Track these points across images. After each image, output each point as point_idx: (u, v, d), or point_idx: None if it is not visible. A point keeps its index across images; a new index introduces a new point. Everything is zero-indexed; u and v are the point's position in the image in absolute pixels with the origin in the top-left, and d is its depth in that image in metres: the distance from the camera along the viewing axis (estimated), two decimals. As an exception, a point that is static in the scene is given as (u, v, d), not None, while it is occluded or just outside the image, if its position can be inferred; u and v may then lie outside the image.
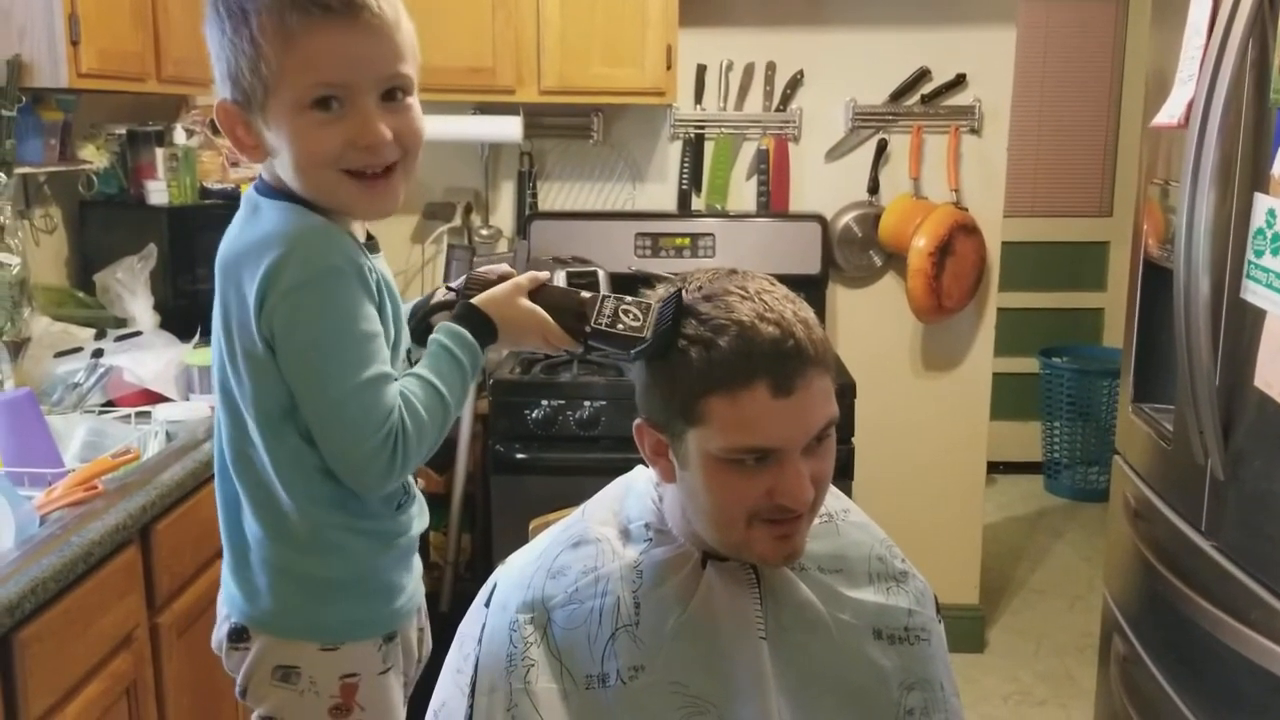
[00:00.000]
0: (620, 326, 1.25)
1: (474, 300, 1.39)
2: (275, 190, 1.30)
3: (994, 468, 4.10)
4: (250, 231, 1.29)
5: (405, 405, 1.28)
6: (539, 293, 1.39)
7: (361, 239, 1.35)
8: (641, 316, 1.23)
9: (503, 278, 1.42)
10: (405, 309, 1.45)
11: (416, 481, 1.50)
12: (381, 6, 1.23)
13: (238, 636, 1.39)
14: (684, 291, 1.14)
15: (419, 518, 1.47)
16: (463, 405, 1.37)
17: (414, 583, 1.48)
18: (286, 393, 1.28)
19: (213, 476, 1.42)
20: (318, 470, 1.31)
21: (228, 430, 1.36)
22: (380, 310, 1.30)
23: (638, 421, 1.18)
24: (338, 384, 1.24)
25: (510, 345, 1.42)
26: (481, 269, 1.45)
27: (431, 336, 1.37)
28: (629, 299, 1.26)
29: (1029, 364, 4.96)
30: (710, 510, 1.13)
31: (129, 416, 2.29)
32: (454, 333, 1.36)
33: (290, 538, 1.34)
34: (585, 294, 1.35)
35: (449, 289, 1.47)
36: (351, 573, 1.37)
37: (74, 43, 2.23)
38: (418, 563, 1.50)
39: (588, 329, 1.31)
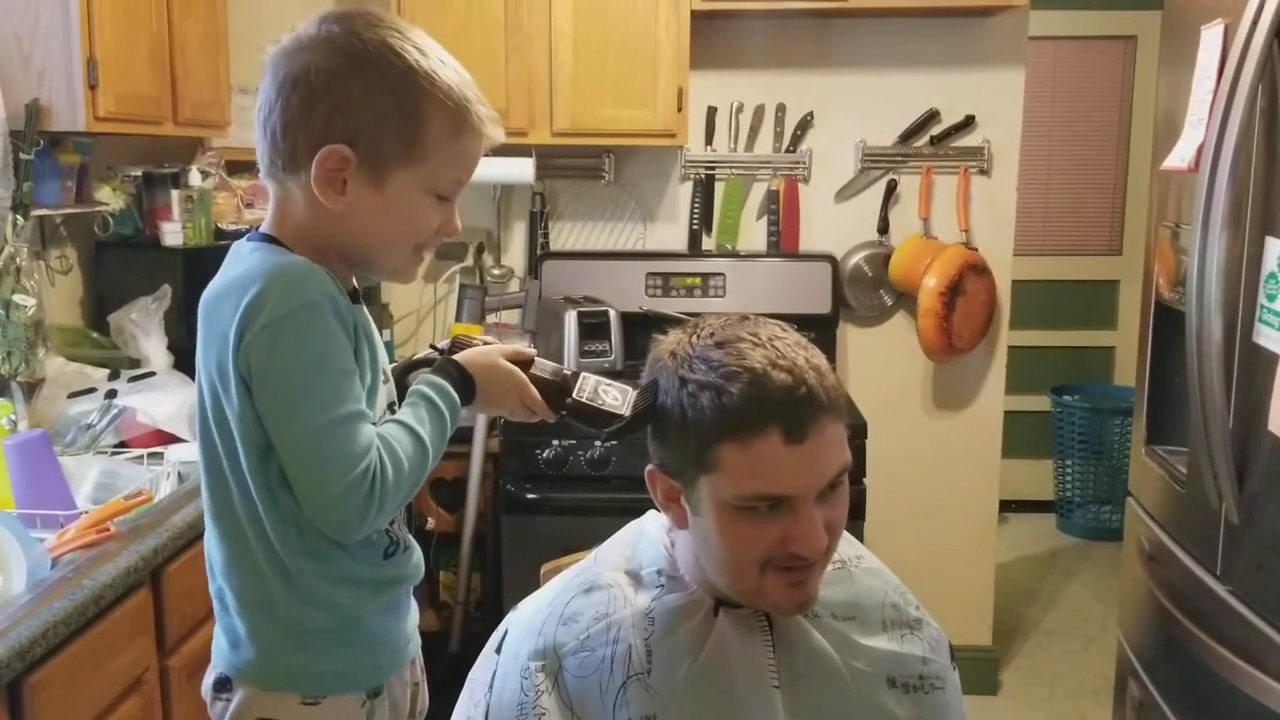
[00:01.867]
0: (600, 403, 1.33)
1: (455, 357, 1.41)
2: (263, 238, 1.32)
3: (1006, 506, 4.07)
4: (230, 272, 1.30)
5: (384, 446, 1.26)
6: (520, 364, 1.42)
7: (347, 289, 1.34)
8: (620, 398, 1.31)
9: (486, 345, 1.45)
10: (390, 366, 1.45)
11: (428, 522, 1.49)
12: None
13: (221, 686, 1.36)
14: (695, 337, 1.15)
15: (412, 569, 1.43)
16: (440, 456, 1.35)
17: (403, 636, 1.43)
18: (264, 433, 1.26)
19: None
20: (298, 517, 1.28)
21: (206, 478, 1.34)
22: (357, 354, 1.30)
23: (650, 467, 1.18)
24: (311, 419, 1.22)
25: (487, 406, 1.42)
26: (470, 338, 1.48)
27: (412, 387, 1.38)
28: (607, 381, 1.35)
29: (1040, 402, 4.95)
30: (723, 557, 1.12)
31: (141, 457, 2.29)
32: (434, 383, 1.36)
33: (271, 586, 1.31)
34: (567, 371, 1.41)
35: (433, 348, 1.49)
36: (334, 622, 1.34)
37: (92, 87, 2.26)
38: (413, 616, 1.46)
39: (568, 400, 1.36)
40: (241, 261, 1.30)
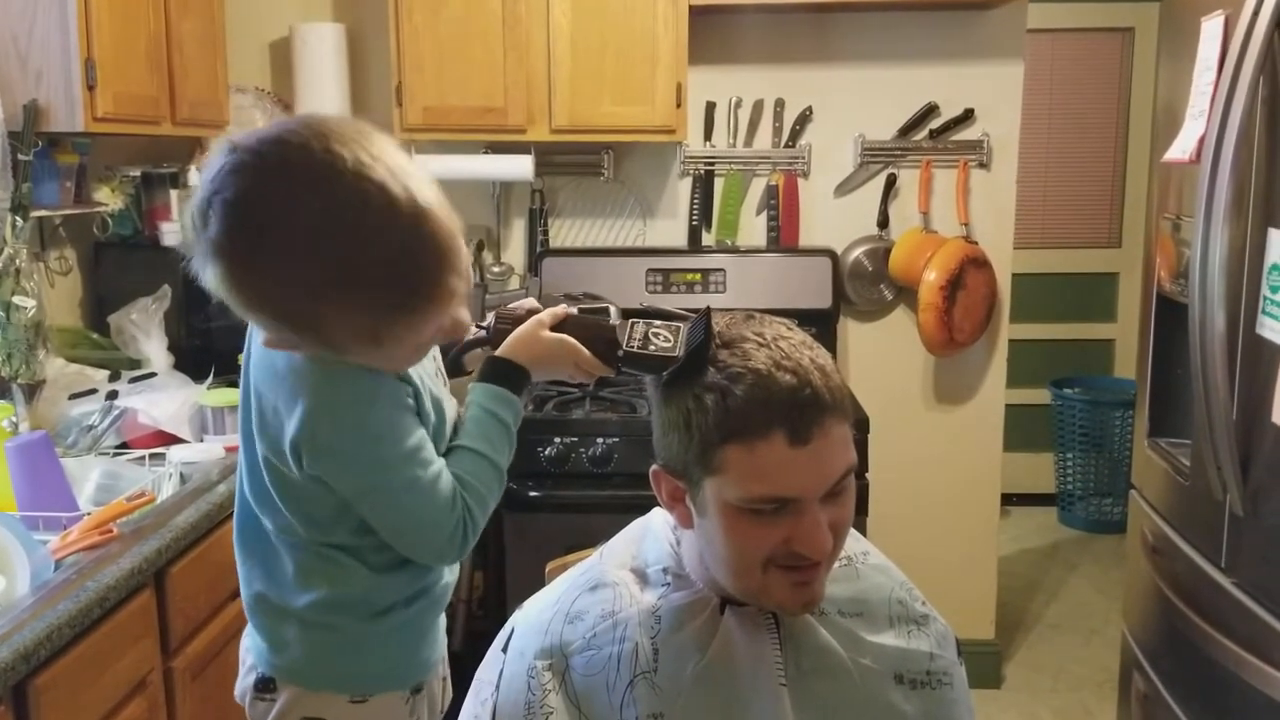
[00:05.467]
0: (652, 348, 1.27)
1: (500, 352, 1.40)
2: None
3: (1007, 499, 4.08)
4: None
5: (464, 487, 1.31)
6: (565, 325, 1.41)
7: None
8: (672, 338, 1.26)
9: (530, 312, 1.43)
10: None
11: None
12: None
13: (264, 686, 1.37)
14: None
15: (457, 572, 1.47)
16: (510, 458, 1.40)
17: (441, 635, 1.47)
18: (335, 502, 1.29)
19: (225, 519, 1.42)
20: (371, 549, 1.33)
21: (258, 500, 1.36)
22: (419, 406, 1.31)
23: (654, 467, 1.18)
24: (401, 501, 1.28)
25: (544, 377, 1.43)
26: (510, 305, 1.46)
27: (469, 399, 1.39)
28: (657, 322, 1.29)
29: (1040, 395, 4.95)
30: (727, 557, 1.12)
31: (143, 458, 2.29)
32: (491, 393, 1.38)
33: (331, 596, 1.34)
34: (613, 321, 1.38)
35: (479, 327, 1.47)
36: (386, 624, 1.37)
37: (90, 87, 2.25)
38: (444, 617, 1.50)
39: (620, 352, 1.32)
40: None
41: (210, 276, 1.11)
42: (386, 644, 1.37)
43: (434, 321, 1.18)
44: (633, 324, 1.32)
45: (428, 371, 1.37)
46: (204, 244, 1.10)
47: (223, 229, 1.08)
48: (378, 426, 1.26)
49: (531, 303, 1.46)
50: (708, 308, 1.15)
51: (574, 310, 1.43)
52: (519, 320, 1.41)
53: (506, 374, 1.38)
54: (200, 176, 1.13)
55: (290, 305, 1.12)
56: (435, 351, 1.41)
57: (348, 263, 1.09)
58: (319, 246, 1.08)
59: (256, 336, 1.30)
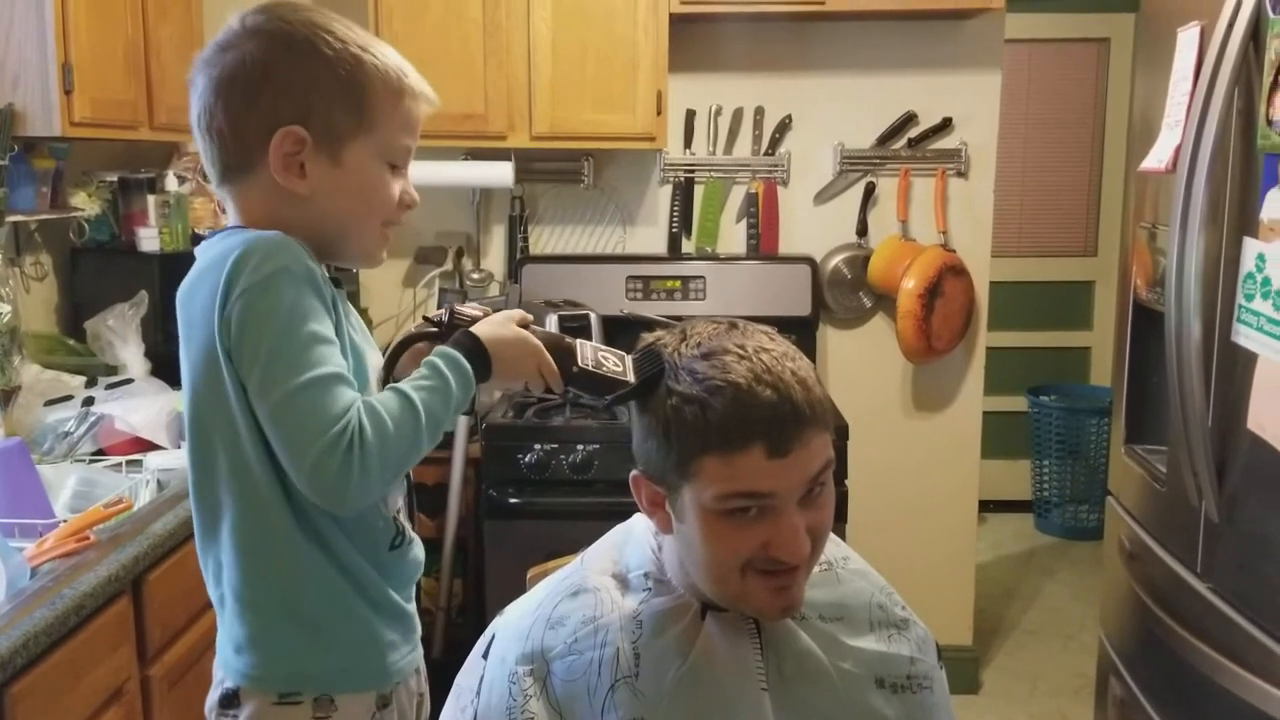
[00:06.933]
0: (604, 370, 1.29)
1: (473, 329, 1.36)
2: (231, 229, 1.33)
3: (984, 506, 4.09)
4: (204, 259, 1.30)
5: (366, 409, 1.22)
6: (526, 329, 1.39)
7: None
8: (620, 364, 1.28)
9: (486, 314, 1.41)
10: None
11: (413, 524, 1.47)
12: None
13: (228, 702, 1.34)
14: (683, 345, 1.14)
15: (414, 565, 1.43)
16: (442, 429, 1.30)
17: (410, 642, 1.43)
18: (252, 414, 1.24)
19: None
20: (295, 504, 1.27)
21: (201, 476, 1.32)
22: (338, 331, 1.28)
23: (634, 473, 1.18)
24: (286, 382, 1.20)
25: (506, 377, 1.37)
26: (465, 305, 1.44)
27: (425, 359, 1.33)
28: (605, 347, 1.32)
29: (1017, 402, 4.98)
30: (706, 562, 1.12)
31: (120, 465, 2.27)
32: (446, 354, 1.32)
33: (273, 581, 1.30)
34: (568, 339, 1.37)
35: (427, 319, 1.44)
36: (339, 616, 1.33)
37: (67, 92, 2.24)
38: (415, 623, 1.45)
39: (574, 368, 1.32)
40: (214, 248, 1.30)
41: (252, 54, 1.27)
42: (344, 639, 1.34)
43: (397, 126, 1.33)
44: (582, 344, 1.34)
45: (355, 323, 1.36)
46: (243, 33, 1.29)
47: (263, 19, 1.29)
48: (292, 297, 1.23)
49: (487, 309, 1.43)
50: (658, 349, 1.15)
51: (533, 318, 1.42)
52: (475, 320, 1.39)
53: (469, 348, 1.33)
54: (216, 45, 1.31)
55: (319, 52, 1.29)
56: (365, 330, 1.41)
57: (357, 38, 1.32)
58: (334, 32, 1.31)
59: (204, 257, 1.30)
